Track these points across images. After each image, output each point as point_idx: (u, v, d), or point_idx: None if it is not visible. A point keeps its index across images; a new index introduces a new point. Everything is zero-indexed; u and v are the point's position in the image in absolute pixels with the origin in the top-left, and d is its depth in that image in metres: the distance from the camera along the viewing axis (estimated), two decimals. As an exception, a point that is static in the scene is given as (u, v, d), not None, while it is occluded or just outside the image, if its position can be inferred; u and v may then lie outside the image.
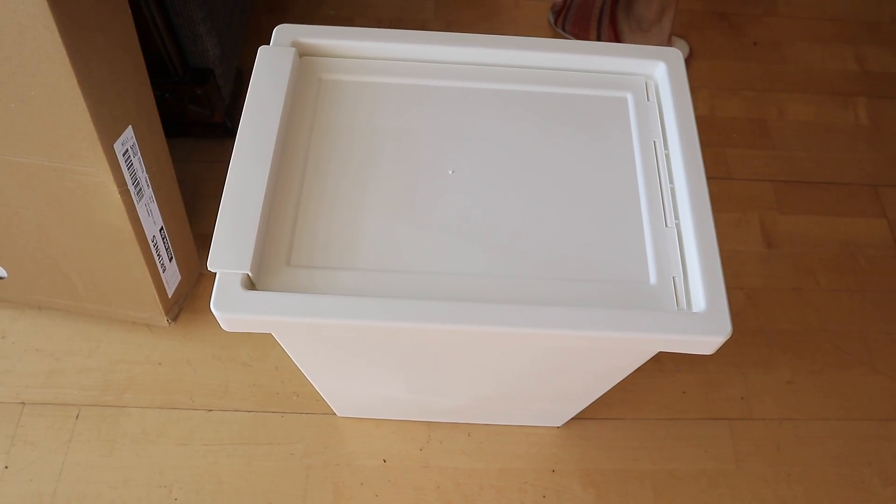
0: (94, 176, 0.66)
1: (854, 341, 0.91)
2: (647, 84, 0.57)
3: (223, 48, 0.86)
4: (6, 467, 0.79)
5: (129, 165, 0.68)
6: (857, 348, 0.90)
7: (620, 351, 0.53)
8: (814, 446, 0.83)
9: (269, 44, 0.55)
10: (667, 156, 0.53)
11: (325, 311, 0.44)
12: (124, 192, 0.68)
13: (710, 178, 1.02)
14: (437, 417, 0.82)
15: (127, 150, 0.67)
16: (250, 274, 0.45)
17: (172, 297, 0.84)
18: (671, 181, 0.52)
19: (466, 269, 0.48)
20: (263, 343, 0.88)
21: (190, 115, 0.91)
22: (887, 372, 0.88)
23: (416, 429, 0.82)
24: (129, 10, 0.64)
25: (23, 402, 0.83)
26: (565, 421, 0.81)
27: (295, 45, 0.55)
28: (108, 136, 0.64)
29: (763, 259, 0.97)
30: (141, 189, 0.71)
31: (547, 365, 0.57)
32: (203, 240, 0.93)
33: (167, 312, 0.84)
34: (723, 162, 1.05)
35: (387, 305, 0.44)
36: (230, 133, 0.99)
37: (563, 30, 1.12)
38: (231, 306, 0.44)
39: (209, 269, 0.45)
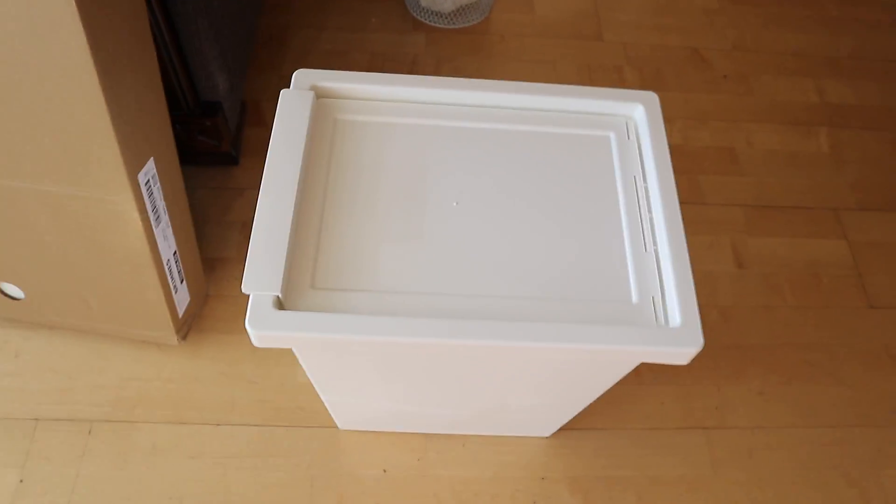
0: (119, 204, 0.71)
1: (819, 354, 0.98)
2: (628, 124, 0.64)
3: (231, 83, 0.92)
4: (21, 481, 0.82)
5: (150, 193, 0.73)
6: (821, 361, 0.97)
7: (606, 363, 0.59)
8: (783, 452, 0.90)
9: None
10: (646, 189, 0.60)
11: (345, 328, 0.50)
12: (145, 219, 0.73)
13: (685, 203, 1.10)
14: (434, 429, 0.87)
15: (148, 180, 0.73)
16: (280, 295, 0.50)
17: (182, 317, 0.89)
18: (650, 211, 0.59)
19: (470, 290, 0.54)
20: (267, 361, 0.92)
21: (198, 146, 0.96)
22: (849, 383, 0.96)
23: (414, 440, 0.87)
24: (155, 54, 0.69)
25: (36, 419, 0.87)
26: (553, 431, 0.87)
27: (313, 88, 0.61)
28: (133, 168, 0.69)
29: (735, 279, 1.04)
30: (159, 215, 0.77)
31: (539, 376, 0.63)
32: (209, 263, 0.98)
33: (178, 331, 0.89)
34: (696, 188, 1.12)
35: (399, 323, 0.50)
36: (234, 161, 1.05)
37: None
38: (264, 324, 0.49)
39: (243, 291, 0.50)
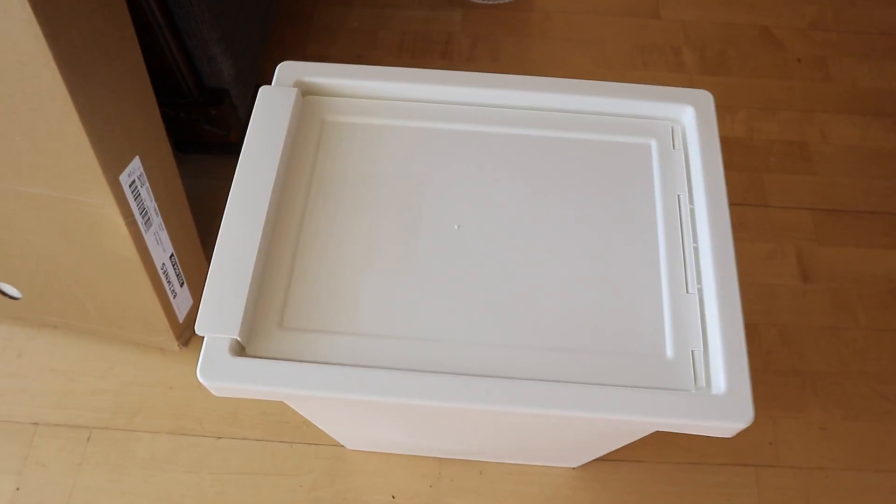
0: (100, 207, 0.65)
1: (895, 387, 0.85)
2: (674, 130, 0.53)
3: (239, 68, 0.84)
4: (18, 489, 0.79)
5: (136, 196, 0.67)
6: (897, 394, 0.85)
7: (634, 429, 0.49)
8: (845, 499, 0.78)
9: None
10: (691, 211, 0.49)
11: (315, 382, 0.42)
12: (131, 223, 0.67)
13: (745, 204, 0.98)
14: (449, 455, 0.79)
15: (134, 181, 0.66)
16: (239, 339, 0.43)
17: (184, 321, 0.83)
18: (695, 240, 0.48)
19: (469, 336, 0.45)
20: (275, 369, 0.86)
21: (205, 135, 0.89)
22: (930, 421, 0.83)
23: (427, 464, 0.80)
24: (137, 42, 0.62)
25: (36, 423, 0.83)
26: (582, 463, 0.78)
27: (298, 84, 0.52)
28: (113, 169, 0.62)
29: (798, 294, 0.91)
30: (149, 218, 0.70)
31: (558, 430, 0.54)
32: (218, 260, 0.92)
33: (178, 337, 0.83)
34: (759, 188, 0.99)
35: (382, 378, 0.42)
36: (248, 151, 0.97)
37: None
38: (218, 375, 0.42)
39: (197, 332, 0.43)
